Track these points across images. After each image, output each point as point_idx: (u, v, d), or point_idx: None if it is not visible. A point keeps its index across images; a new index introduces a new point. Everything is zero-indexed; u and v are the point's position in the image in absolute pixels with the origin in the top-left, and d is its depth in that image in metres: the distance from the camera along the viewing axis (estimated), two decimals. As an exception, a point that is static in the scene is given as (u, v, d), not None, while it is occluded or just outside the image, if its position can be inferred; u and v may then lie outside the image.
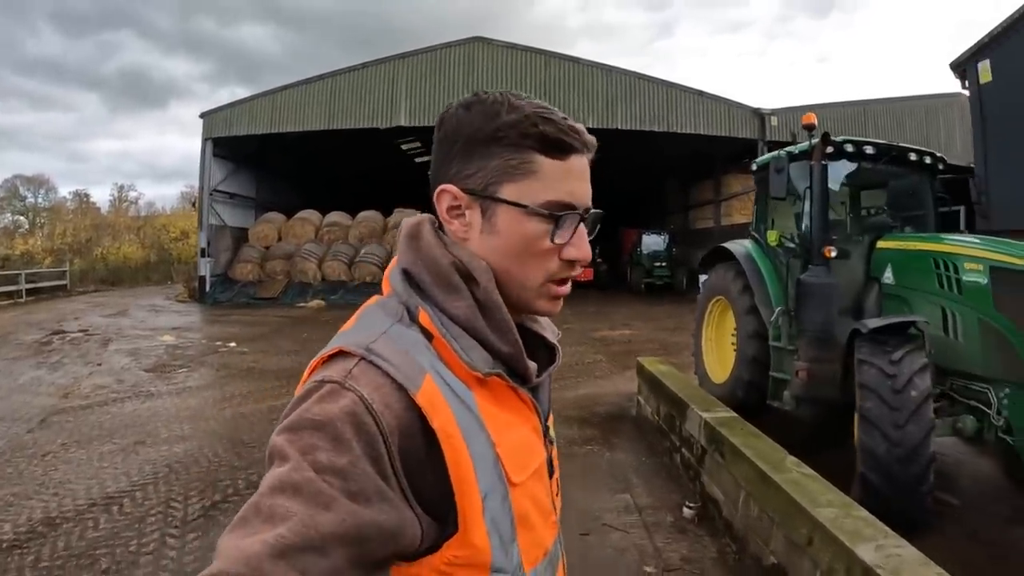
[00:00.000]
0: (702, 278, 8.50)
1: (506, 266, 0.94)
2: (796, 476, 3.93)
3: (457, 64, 22.34)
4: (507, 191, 0.91)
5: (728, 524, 4.42)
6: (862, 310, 5.93)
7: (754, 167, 7.20)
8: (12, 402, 8.09)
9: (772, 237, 6.72)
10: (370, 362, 0.80)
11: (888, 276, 5.81)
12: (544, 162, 0.91)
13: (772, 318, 6.44)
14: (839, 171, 6.41)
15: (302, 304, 21.36)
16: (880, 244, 6.02)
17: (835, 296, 5.67)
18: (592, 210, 0.98)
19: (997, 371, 4.93)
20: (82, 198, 52.18)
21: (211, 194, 23.38)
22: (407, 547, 0.77)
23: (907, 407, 4.41)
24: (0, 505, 4.81)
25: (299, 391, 0.80)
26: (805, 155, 6.10)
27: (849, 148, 6.12)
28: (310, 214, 25.47)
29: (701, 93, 22.58)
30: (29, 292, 24.93)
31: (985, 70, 9.85)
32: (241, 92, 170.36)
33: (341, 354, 0.82)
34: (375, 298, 0.97)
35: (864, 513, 3.34)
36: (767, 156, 6.77)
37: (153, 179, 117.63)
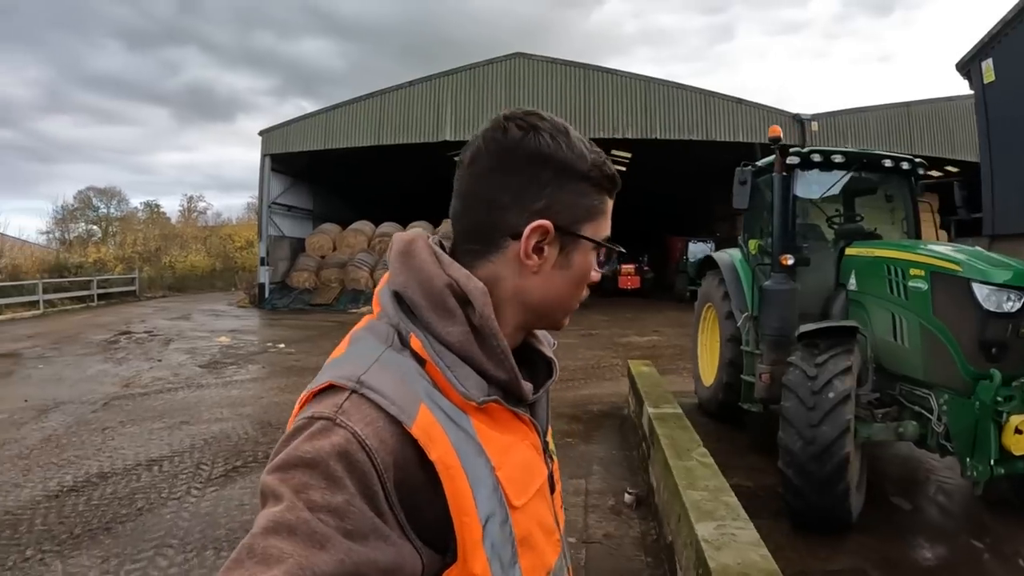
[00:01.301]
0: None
1: (562, 295, 0.97)
2: (692, 464, 4.21)
3: (499, 79, 23.17)
4: (587, 228, 0.96)
5: (656, 509, 4.71)
6: (829, 315, 5.93)
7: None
8: (80, 389, 9.47)
9: (752, 246, 6.89)
10: (362, 395, 0.78)
11: (852, 282, 5.84)
12: (608, 202, 0.99)
13: (739, 323, 6.73)
14: (827, 180, 6.41)
15: (354, 310, 22.37)
16: (848, 251, 6.03)
17: (793, 302, 5.75)
18: None
19: (936, 377, 4.92)
20: (153, 208, 54.03)
21: (270, 207, 24.95)
22: None
23: (822, 407, 4.50)
24: (65, 462, 6.09)
25: (290, 426, 0.79)
26: (772, 168, 6.21)
27: (816, 158, 6.24)
28: (363, 225, 26.74)
29: (740, 100, 22.71)
30: (100, 297, 26.82)
31: (988, 69, 9.73)
32: (304, 104, 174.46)
33: (331, 388, 0.80)
34: (365, 320, 0.95)
35: (732, 499, 3.57)
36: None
37: (219, 190, 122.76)
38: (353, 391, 0.78)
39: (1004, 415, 4.38)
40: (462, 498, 0.78)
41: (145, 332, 16.42)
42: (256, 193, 26.86)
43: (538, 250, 0.91)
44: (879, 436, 5.08)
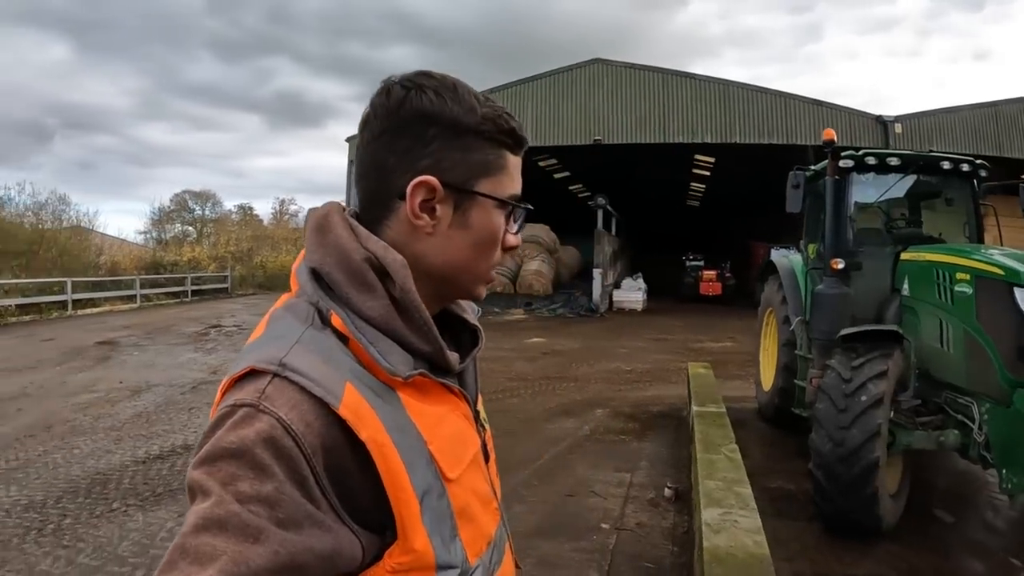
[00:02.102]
0: None
1: (466, 258, 0.94)
2: (717, 457, 4.42)
3: (579, 85, 23.25)
4: (484, 185, 0.92)
5: (691, 502, 4.77)
6: (882, 320, 5.85)
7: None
8: (171, 374, 10.43)
9: (811, 250, 6.90)
10: (284, 378, 0.75)
11: (906, 288, 5.78)
12: (510, 157, 0.95)
13: (793, 327, 6.74)
14: (884, 183, 6.35)
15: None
16: (903, 256, 5.94)
17: (844, 306, 5.71)
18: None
19: (978, 385, 4.79)
20: (246, 211, 55.37)
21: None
22: (348, 566, 0.75)
23: (853, 410, 4.50)
24: (153, 435, 6.98)
25: (212, 416, 0.76)
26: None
27: (871, 161, 6.15)
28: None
29: (819, 103, 22.15)
30: (193, 293, 28.50)
31: None
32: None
33: (252, 373, 0.77)
34: (283, 299, 0.93)
35: (745, 491, 3.76)
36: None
37: (311, 194, 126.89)
38: (275, 375, 0.75)
39: None
40: (396, 475, 0.77)
41: (234, 326, 17.53)
42: (343, 197, 27.82)
43: (429, 210, 0.90)
44: (919, 444, 5.01)
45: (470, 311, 1.10)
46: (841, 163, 6.08)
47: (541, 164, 30.14)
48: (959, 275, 5.02)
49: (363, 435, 0.75)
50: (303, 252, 0.94)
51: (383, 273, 0.87)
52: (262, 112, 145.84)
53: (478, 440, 0.99)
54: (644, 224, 37.06)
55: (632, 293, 26.28)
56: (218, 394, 0.80)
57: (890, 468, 4.68)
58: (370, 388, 0.80)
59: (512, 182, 0.96)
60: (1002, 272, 4.63)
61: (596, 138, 23.00)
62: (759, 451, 6.53)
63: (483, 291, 1.00)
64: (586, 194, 37.91)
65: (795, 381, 6.76)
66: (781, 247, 29.23)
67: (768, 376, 7.87)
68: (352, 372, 0.80)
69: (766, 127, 22.20)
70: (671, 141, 22.92)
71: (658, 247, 37.86)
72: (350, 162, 25.40)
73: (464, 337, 1.06)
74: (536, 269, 25.07)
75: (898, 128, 21.32)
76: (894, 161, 6.18)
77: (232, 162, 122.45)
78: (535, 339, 16.27)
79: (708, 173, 31.10)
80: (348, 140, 25.69)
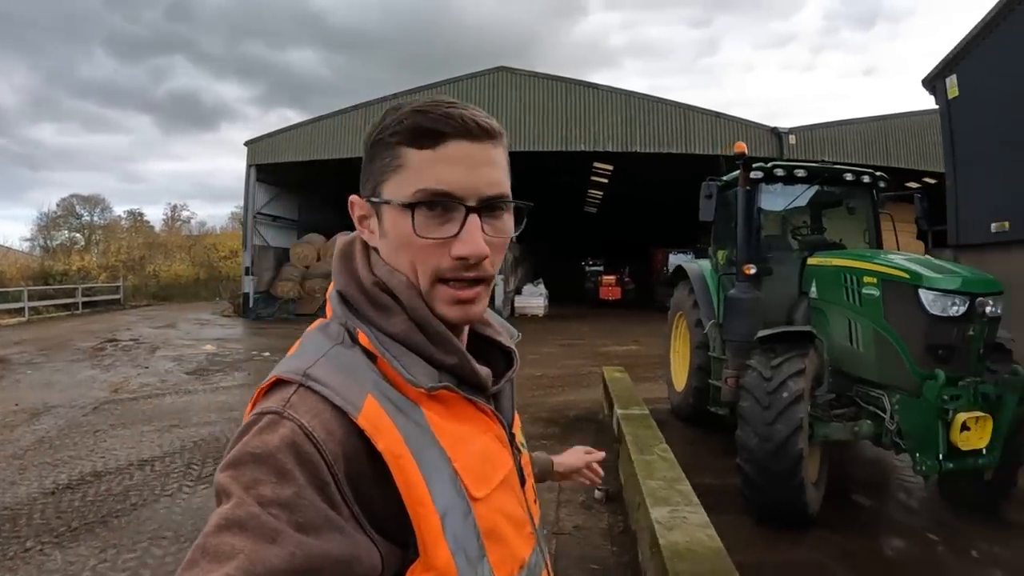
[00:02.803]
0: None
1: (400, 263, 0.92)
2: (653, 458, 4.51)
3: (484, 93, 23.32)
4: (386, 190, 0.90)
5: (624, 502, 4.95)
6: (793, 322, 6.15)
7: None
8: (71, 394, 9.68)
9: (720, 256, 7.17)
10: (308, 388, 0.78)
11: (814, 291, 6.11)
12: (412, 153, 0.88)
13: (707, 330, 6.99)
14: (791, 193, 6.70)
15: (340, 320, 22.70)
16: (810, 261, 6.29)
17: (757, 309, 6.03)
18: (503, 199, 0.92)
19: (889, 378, 5.19)
20: (136, 217, 53.34)
21: (255, 217, 25.10)
22: (367, 575, 0.75)
23: (777, 407, 4.75)
24: (59, 462, 6.34)
25: (242, 425, 0.79)
26: (738, 182, 6.46)
27: (779, 172, 6.47)
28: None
29: (718, 114, 23.09)
30: (85, 305, 26.92)
31: (952, 85, 9.94)
32: (289, 113, 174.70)
33: (279, 383, 0.81)
34: (318, 322, 0.96)
35: (686, 488, 3.88)
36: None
37: (205, 200, 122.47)
38: (300, 384, 0.78)
39: (951, 413, 4.66)
40: (415, 488, 0.77)
41: (131, 340, 16.59)
42: (241, 203, 26.99)
43: (366, 224, 0.95)
44: (836, 435, 5.33)
45: (505, 334, 1.09)
46: (752, 174, 6.38)
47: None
48: (866, 279, 5.41)
49: (380, 445, 0.76)
50: (333, 280, 0.98)
51: (394, 295, 0.91)
52: (157, 113, 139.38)
53: (510, 462, 0.96)
54: (544, 230, 37.57)
55: (534, 299, 26.59)
56: (248, 404, 0.83)
57: (810, 459, 4.91)
58: (393, 402, 0.81)
59: (417, 179, 0.87)
60: (907, 275, 5.02)
61: (497, 145, 23.07)
62: (680, 449, 6.58)
63: (446, 310, 0.91)
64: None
65: (710, 381, 7.01)
66: (679, 252, 30.40)
67: (680, 377, 8.13)
68: (376, 386, 0.82)
69: (666, 137, 22.89)
70: (574, 149, 23.38)
71: (558, 253, 38.46)
72: (249, 167, 24.66)
73: (498, 360, 1.05)
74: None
75: (792, 139, 22.46)
76: (801, 173, 6.53)
77: (125, 165, 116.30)
78: (442, 346, 16.20)
79: (606, 180, 31.73)
80: (247, 144, 25.00)
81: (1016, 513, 5.21)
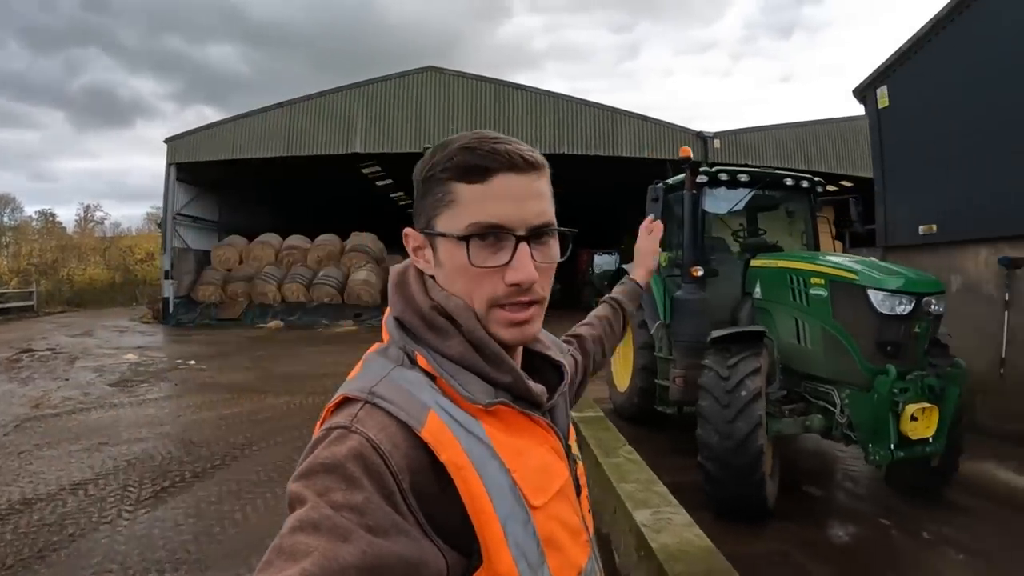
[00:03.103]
0: None
1: (461, 294, 0.96)
2: (620, 460, 4.52)
3: (411, 92, 23.13)
4: (439, 223, 0.95)
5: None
6: (737, 322, 6.34)
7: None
8: None
9: (663, 258, 7.20)
10: (374, 404, 0.83)
11: (758, 291, 6.29)
12: (462, 188, 0.93)
13: (653, 331, 7.06)
14: (733, 197, 6.84)
15: (261, 325, 22.05)
16: (753, 263, 6.48)
17: (704, 310, 6.16)
18: (550, 227, 0.98)
19: (838, 374, 5.41)
20: (48, 218, 51.31)
21: (175, 218, 24.06)
22: None
23: (736, 405, 4.88)
24: None
25: (312, 441, 0.83)
26: (682, 185, 6.57)
27: (724, 176, 6.63)
28: (270, 237, 26.06)
29: (645, 118, 23.46)
30: (-4, 312, 25.18)
31: (883, 96, 10.36)
32: (207, 111, 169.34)
33: (346, 400, 0.86)
34: (376, 346, 1.01)
35: (662, 488, 3.91)
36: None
37: (120, 199, 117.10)
38: (366, 401, 0.84)
39: (901, 405, 4.88)
40: (477, 499, 0.81)
41: (48, 349, 15.56)
42: (158, 203, 25.98)
43: (421, 254, 1.00)
44: (788, 430, 5.52)
45: (555, 349, 1.14)
46: (697, 178, 6.50)
47: (365, 171, 29.75)
48: (814, 280, 5.60)
49: (443, 457, 0.81)
50: (389, 307, 1.03)
51: (451, 318, 0.95)
52: (70, 108, 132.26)
53: (565, 473, 0.99)
54: (470, 232, 37.60)
55: None
56: (318, 423, 0.88)
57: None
58: (453, 418, 0.86)
59: (469, 213, 0.93)
60: (856, 277, 5.23)
61: (427, 146, 22.42)
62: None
63: (502, 331, 0.96)
64: (407, 202, 37.75)
65: (656, 381, 7.11)
66: (604, 253, 30.76)
67: (623, 377, 8.19)
68: (437, 403, 0.86)
69: (593, 140, 23.19)
70: (500, 149, 23.28)
71: None
72: (169, 165, 23.65)
73: (550, 375, 1.09)
74: (364, 279, 24.58)
75: (717, 143, 23.04)
76: (744, 177, 6.70)
77: (36, 163, 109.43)
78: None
79: None
80: (167, 142, 23.95)
81: (958, 495, 5.58)
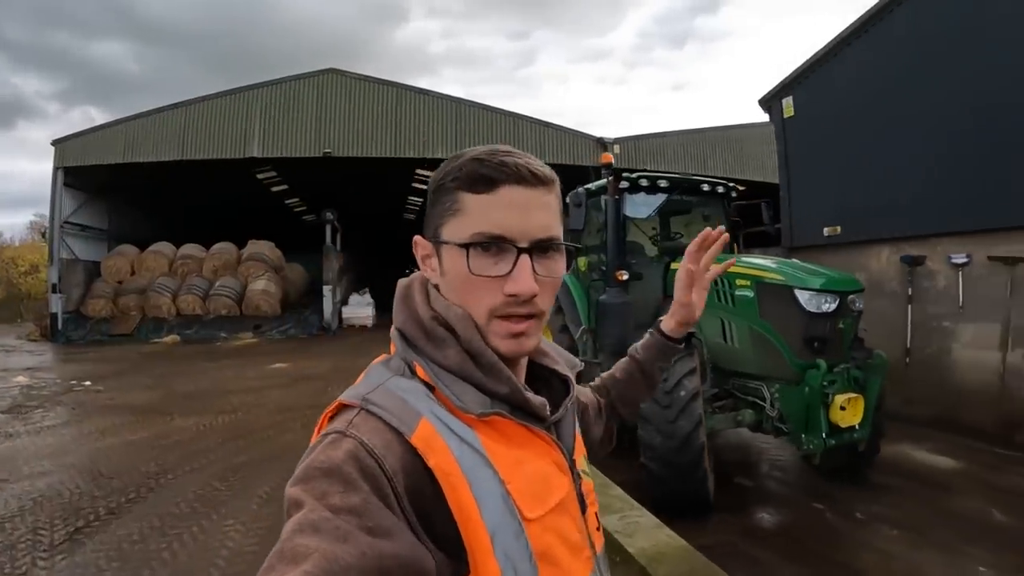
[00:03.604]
0: None
1: (458, 300, 0.97)
2: None
3: (311, 95, 22.57)
4: (445, 232, 0.96)
5: None
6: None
7: (566, 200, 7.72)
8: None
9: (582, 263, 7.40)
10: (368, 411, 0.86)
11: None
12: (469, 199, 0.94)
13: (578, 335, 7.08)
14: (652, 202, 7.01)
15: (157, 340, 21.07)
16: (673, 266, 6.56)
17: (629, 313, 6.20)
18: (554, 242, 0.97)
19: (767, 370, 5.71)
20: None
21: (62, 226, 22.49)
22: None
23: (677, 405, 5.02)
24: None
25: (309, 447, 0.85)
26: (603, 190, 6.66)
27: (644, 183, 6.79)
28: (163, 247, 24.81)
29: (547, 124, 23.81)
30: None
31: (788, 106, 11.02)
32: (95, 112, 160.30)
33: (342, 407, 0.89)
34: (382, 356, 1.02)
35: (619, 492, 4.02)
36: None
37: (0, 207, 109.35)
38: (361, 408, 0.87)
39: (830, 396, 5.18)
40: (465, 506, 0.83)
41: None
42: (42, 210, 24.30)
43: (428, 262, 1.01)
44: (720, 426, 5.82)
45: (563, 363, 1.14)
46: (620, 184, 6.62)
47: (260, 177, 28.77)
48: (739, 282, 5.82)
49: (431, 462, 0.83)
50: (393, 318, 1.05)
51: (450, 327, 0.96)
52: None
53: (567, 487, 0.99)
54: (366, 238, 36.94)
55: (361, 309, 26.37)
56: (315, 430, 0.91)
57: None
58: (447, 426, 0.88)
59: (473, 222, 0.93)
60: (782, 278, 5.52)
61: (326, 150, 22.44)
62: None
63: (501, 343, 0.95)
64: (302, 208, 36.95)
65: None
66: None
67: (545, 382, 8.32)
68: (431, 411, 0.88)
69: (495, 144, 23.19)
70: (403, 156, 23.13)
71: (381, 261, 38.04)
72: (56, 169, 22.02)
73: (557, 388, 1.10)
74: (263, 288, 23.92)
75: (616, 149, 23.57)
76: (664, 183, 6.90)
77: None
78: (278, 364, 15.52)
79: (426, 187, 31.58)
80: (55, 144, 22.31)
81: (881, 476, 6.10)
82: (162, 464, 7.06)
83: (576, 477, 1.03)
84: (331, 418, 0.90)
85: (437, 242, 0.98)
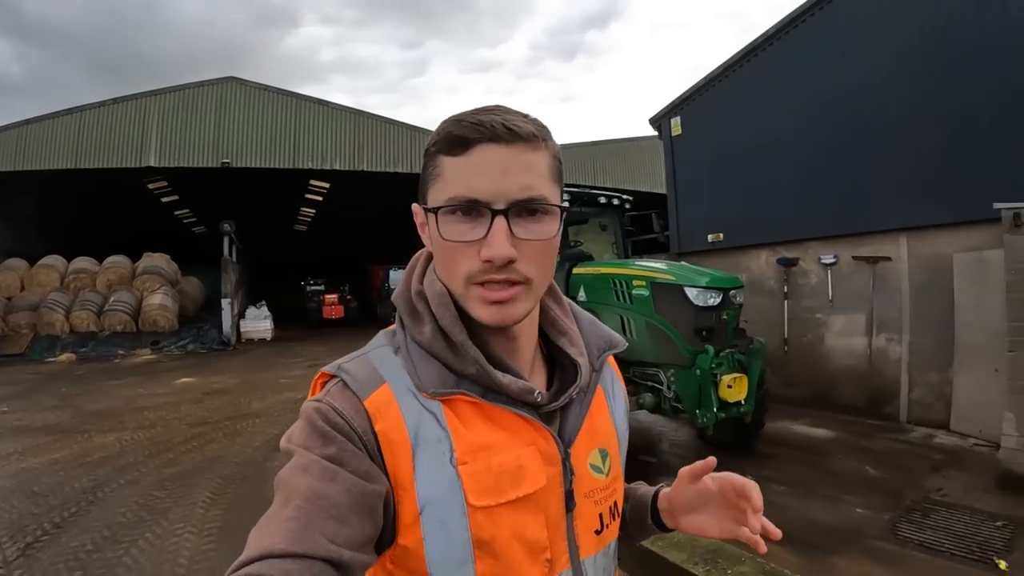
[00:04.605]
0: None
1: (441, 272, 0.97)
2: None
3: (209, 103, 22.17)
4: (430, 198, 0.94)
5: None
6: None
7: None
8: None
9: None
10: (340, 378, 0.92)
11: (582, 295, 7.38)
12: (447, 162, 0.91)
13: None
14: None
15: (52, 359, 20.15)
16: (575, 270, 7.60)
17: None
18: (536, 202, 0.91)
19: (662, 357, 6.55)
20: None
21: (-55, 241, 20.88)
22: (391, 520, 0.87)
23: None
24: None
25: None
26: None
27: None
28: (55, 260, 23.63)
29: (449, 137, 24.30)
30: None
31: (676, 125, 12.16)
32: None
33: (323, 376, 0.97)
34: (393, 326, 1.05)
35: None
36: None
37: None
38: (335, 376, 0.95)
39: (718, 376, 6.05)
40: (402, 472, 0.88)
41: None
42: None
43: (424, 229, 1.00)
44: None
45: (584, 344, 1.08)
46: None
47: (150, 187, 27.82)
48: (636, 282, 6.78)
49: (377, 426, 0.89)
50: None
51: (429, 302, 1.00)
52: None
53: (544, 481, 0.95)
54: (259, 250, 36.36)
55: (259, 322, 26.25)
56: (310, 391, 0.99)
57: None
58: (414, 396, 0.92)
59: (450, 186, 0.91)
60: (674, 278, 6.49)
61: (225, 160, 22.12)
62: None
63: (479, 310, 0.93)
64: (192, 220, 36.08)
65: None
66: (399, 268, 31.40)
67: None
68: (399, 380, 0.93)
69: (394, 157, 23.60)
70: (302, 167, 23.11)
71: (274, 273, 37.65)
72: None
73: (569, 373, 1.05)
74: (160, 303, 23.20)
75: (515, 160, 24.39)
76: (566, 196, 7.50)
77: None
78: (184, 379, 15.34)
79: (321, 198, 31.56)
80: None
81: (767, 447, 7.25)
82: (95, 479, 7.13)
83: (568, 472, 0.99)
84: (321, 385, 0.97)
85: (425, 209, 0.96)
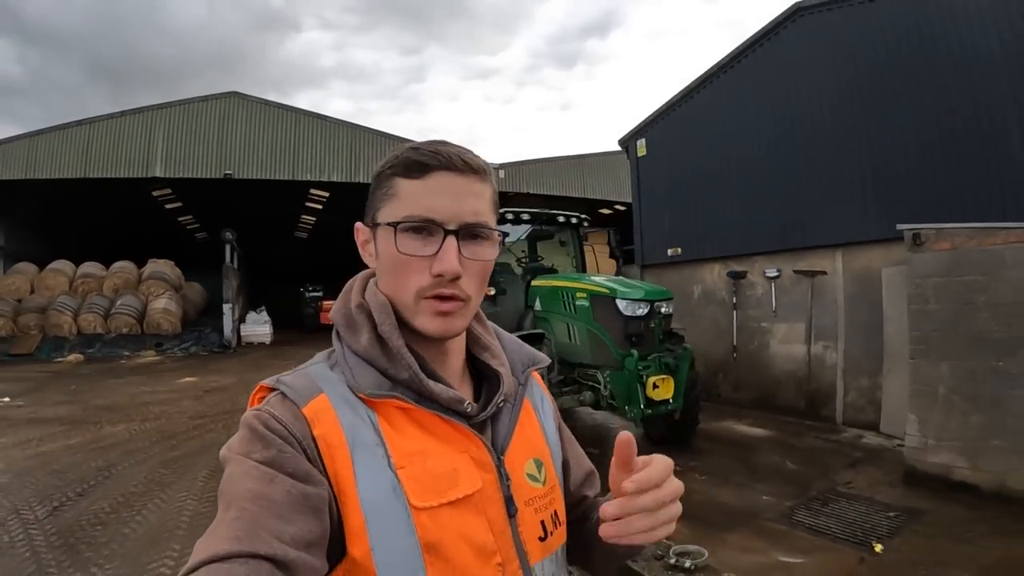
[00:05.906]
0: None
1: (389, 285, 1.01)
2: None
3: (212, 117, 23.12)
4: (380, 216, 1.00)
5: None
6: (522, 328, 8.13)
7: None
8: None
9: None
10: (279, 390, 0.94)
11: (538, 305, 8.29)
12: (404, 184, 0.97)
13: None
14: (518, 230, 8.74)
15: (59, 359, 20.94)
16: (534, 283, 8.52)
17: (496, 322, 8.11)
18: (482, 227, 0.98)
19: (599, 360, 7.35)
20: None
21: (-44, 244, 21.84)
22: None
23: None
24: None
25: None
26: None
27: (510, 216, 8.41)
28: (63, 265, 24.55)
29: (439, 149, 25.17)
30: None
31: (641, 146, 13.04)
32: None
33: (262, 389, 0.98)
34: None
35: None
36: None
37: None
38: (273, 388, 0.96)
39: (645, 377, 6.83)
40: (343, 479, 0.89)
41: None
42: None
43: (367, 247, 1.06)
44: (568, 405, 7.39)
45: (499, 359, 1.12)
46: None
47: (155, 194, 28.80)
48: (578, 294, 7.62)
49: (316, 431, 0.91)
50: None
51: (370, 315, 1.03)
52: None
53: (479, 484, 0.97)
54: (260, 257, 37.19)
55: (259, 327, 26.90)
56: (249, 404, 1.00)
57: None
58: (348, 403, 0.95)
59: (406, 203, 0.97)
60: (607, 291, 7.30)
61: (227, 172, 23.03)
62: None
63: (427, 323, 0.98)
64: (195, 226, 37.07)
65: None
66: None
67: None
68: (335, 390, 0.96)
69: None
70: (300, 178, 24.03)
71: (275, 279, 38.32)
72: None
73: (493, 384, 1.09)
74: (164, 307, 24.03)
75: (502, 174, 25.19)
76: (526, 216, 8.67)
77: None
78: (186, 379, 16.12)
79: (321, 207, 32.37)
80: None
81: (703, 443, 8.11)
82: (107, 460, 8.04)
83: (504, 477, 1.01)
84: (261, 399, 0.97)
85: (374, 225, 1.01)
